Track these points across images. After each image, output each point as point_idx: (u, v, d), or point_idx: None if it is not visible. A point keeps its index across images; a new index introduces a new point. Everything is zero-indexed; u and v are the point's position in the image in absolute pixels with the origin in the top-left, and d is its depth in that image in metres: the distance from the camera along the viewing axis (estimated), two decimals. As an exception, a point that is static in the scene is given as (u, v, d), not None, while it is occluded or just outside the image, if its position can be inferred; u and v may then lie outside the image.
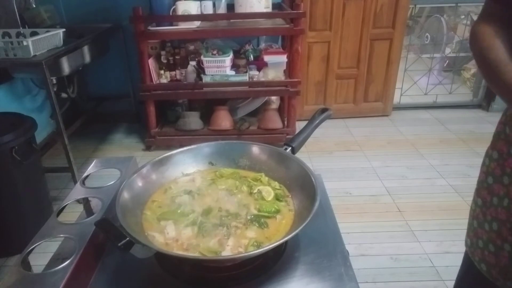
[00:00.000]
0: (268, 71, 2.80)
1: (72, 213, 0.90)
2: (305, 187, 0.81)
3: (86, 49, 2.48)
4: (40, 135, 2.75)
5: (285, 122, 2.96)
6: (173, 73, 2.85)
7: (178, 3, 2.57)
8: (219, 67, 2.68)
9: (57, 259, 0.72)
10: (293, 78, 2.78)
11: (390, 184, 2.46)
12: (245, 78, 2.75)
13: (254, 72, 2.80)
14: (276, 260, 0.74)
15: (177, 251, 0.71)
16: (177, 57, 2.85)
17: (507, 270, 0.79)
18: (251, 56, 2.89)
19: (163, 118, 3.05)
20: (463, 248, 0.96)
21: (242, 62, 2.80)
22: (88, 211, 0.90)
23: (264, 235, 0.75)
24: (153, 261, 0.74)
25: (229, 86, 2.73)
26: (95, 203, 0.89)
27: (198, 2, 2.66)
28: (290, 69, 2.81)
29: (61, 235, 0.76)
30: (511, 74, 0.69)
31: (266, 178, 0.90)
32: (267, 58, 2.79)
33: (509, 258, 0.77)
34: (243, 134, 2.86)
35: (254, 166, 0.94)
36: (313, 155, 2.82)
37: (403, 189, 2.41)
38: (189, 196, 0.85)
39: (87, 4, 2.96)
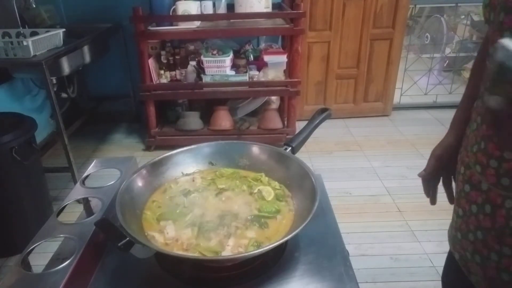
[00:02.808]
0: (268, 71, 2.80)
1: (72, 213, 0.91)
2: (305, 187, 0.81)
3: (86, 49, 2.48)
4: (40, 135, 2.74)
5: (285, 122, 2.96)
6: (173, 73, 2.85)
7: (178, 3, 2.57)
8: (219, 67, 2.68)
9: (57, 259, 0.73)
10: (293, 78, 2.78)
11: (390, 184, 2.46)
12: (245, 78, 2.75)
13: (254, 72, 2.80)
14: (276, 260, 0.74)
15: (177, 251, 0.71)
16: (177, 57, 2.85)
17: (495, 284, 0.73)
18: (251, 56, 2.89)
19: (163, 118, 3.04)
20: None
21: (242, 62, 2.80)
22: (88, 211, 0.90)
23: (264, 235, 0.75)
24: (153, 261, 0.73)
25: (229, 86, 2.72)
26: (95, 203, 0.89)
27: (198, 2, 2.65)
28: (290, 69, 2.81)
29: (61, 235, 0.76)
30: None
31: (266, 178, 0.90)
32: (267, 58, 2.78)
33: (496, 269, 0.72)
34: (243, 134, 2.86)
35: (254, 166, 0.93)
36: (313, 155, 2.82)
37: (403, 189, 2.41)
38: (189, 196, 0.85)
39: (87, 4, 2.96)
